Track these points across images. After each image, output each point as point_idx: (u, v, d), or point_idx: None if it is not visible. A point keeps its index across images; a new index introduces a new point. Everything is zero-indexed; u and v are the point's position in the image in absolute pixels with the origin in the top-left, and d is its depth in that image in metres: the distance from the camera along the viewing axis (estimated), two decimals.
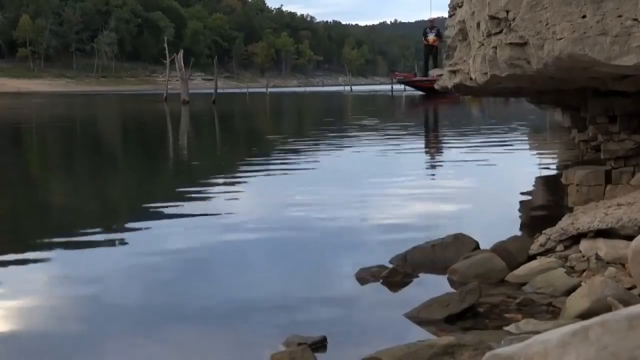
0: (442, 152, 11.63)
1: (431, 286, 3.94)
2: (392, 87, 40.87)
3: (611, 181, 5.67)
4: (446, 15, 8.42)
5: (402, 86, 41.52)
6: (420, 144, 13.35)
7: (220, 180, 8.55)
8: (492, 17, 4.67)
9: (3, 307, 3.82)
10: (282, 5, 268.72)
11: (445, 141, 13.31)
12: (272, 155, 11.61)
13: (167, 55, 40.06)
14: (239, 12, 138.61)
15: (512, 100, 27.24)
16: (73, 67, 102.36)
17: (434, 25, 37.62)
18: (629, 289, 3.35)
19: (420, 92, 37.55)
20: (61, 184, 9.29)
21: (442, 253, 4.41)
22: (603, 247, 3.97)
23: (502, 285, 3.91)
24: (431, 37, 36.23)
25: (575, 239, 4.17)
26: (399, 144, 12.70)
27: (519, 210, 6.44)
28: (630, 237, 3.70)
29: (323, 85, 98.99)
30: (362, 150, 11.97)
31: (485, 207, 6.50)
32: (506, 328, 3.15)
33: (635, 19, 4.05)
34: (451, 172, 8.93)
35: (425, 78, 37.84)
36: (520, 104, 27.08)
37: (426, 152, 12.07)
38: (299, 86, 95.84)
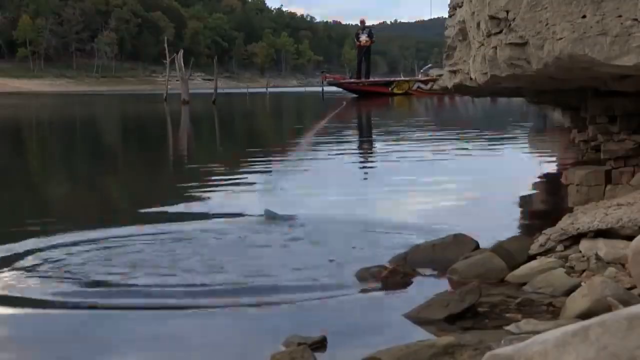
0: (440, 153, 11.62)
1: (431, 286, 3.94)
2: (322, 90, 40.16)
3: (611, 181, 5.66)
4: (446, 15, 8.40)
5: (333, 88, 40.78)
6: (416, 144, 13.32)
7: (220, 181, 8.55)
8: (492, 17, 4.67)
9: (6, 307, 3.83)
10: (282, 5, 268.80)
11: (443, 141, 13.30)
12: (272, 156, 11.60)
13: (167, 55, 40.00)
14: (239, 12, 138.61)
15: (445, 100, 27.02)
16: (73, 67, 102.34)
17: (365, 26, 37.57)
18: (629, 289, 3.34)
19: (353, 95, 37.26)
20: (62, 183, 9.28)
21: (442, 253, 4.41)
22: (603, 247, 3.96)
23: (502, 285, 3.91)
24: (363, 38, 36.12)
25: (575, 239, 4.17)
26: (394, 144, 12.70)
27: (519, 210, 6.44)
28: (630, 237, 3.70)
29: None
30: (361, 150, 11.97)
31: (485, 207, 6.50)
32: (506, 328, 3.15)
33: (635, 19, 4.05)
34: (450, 172, 8.93)
35: (353, 80, 37.80)
36: (453, 107, 26.99)
37: (423, 153, 12.06)
38: (299, 86, 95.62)
